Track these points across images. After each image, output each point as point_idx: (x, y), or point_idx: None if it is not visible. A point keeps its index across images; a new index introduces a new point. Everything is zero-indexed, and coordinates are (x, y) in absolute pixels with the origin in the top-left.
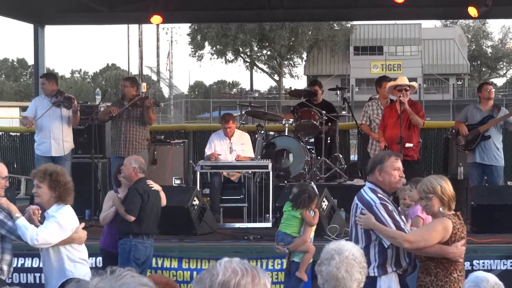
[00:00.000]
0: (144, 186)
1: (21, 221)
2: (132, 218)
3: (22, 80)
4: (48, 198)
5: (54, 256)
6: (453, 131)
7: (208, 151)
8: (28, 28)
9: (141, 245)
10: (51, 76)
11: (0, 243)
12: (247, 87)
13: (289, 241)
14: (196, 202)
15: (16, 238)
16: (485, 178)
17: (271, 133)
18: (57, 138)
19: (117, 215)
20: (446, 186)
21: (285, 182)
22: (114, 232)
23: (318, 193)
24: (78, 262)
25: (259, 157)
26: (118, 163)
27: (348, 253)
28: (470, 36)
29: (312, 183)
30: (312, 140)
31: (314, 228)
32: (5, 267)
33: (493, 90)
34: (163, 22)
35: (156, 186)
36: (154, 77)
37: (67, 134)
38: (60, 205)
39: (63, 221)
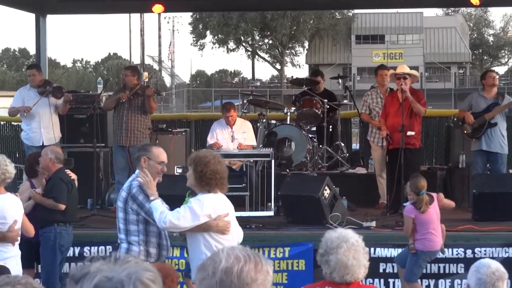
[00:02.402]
0: (65, 175)
1: (155, 203)
2: (63, 207)
3: (23, 69)
4: (191, 183)
5: (191, 243)
6: (455, 119)
7: (210, 140)
8: (30, 17)
9: (65, 232)
10: (39, 66)
11: (145, 226)
12: (249, 76)
13: None
14: None
15: (153, 221)
16: (488, 166)
17: (273, 121)
18: (47, 127)
19: (37, 205)
20: None
21: (287, 170)
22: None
23: None
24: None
25: (261, 145)
26: (119, 152)
27: (353, 240)
28: (471, 25)
29: None
30: (314, 128)
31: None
32: (152, 250)
33: (497, 77)
34: (165, 11)
35: (73, 175)
36: (156, 66)
37: (55, 122)
38: (204, 192)
39: (197, 207)
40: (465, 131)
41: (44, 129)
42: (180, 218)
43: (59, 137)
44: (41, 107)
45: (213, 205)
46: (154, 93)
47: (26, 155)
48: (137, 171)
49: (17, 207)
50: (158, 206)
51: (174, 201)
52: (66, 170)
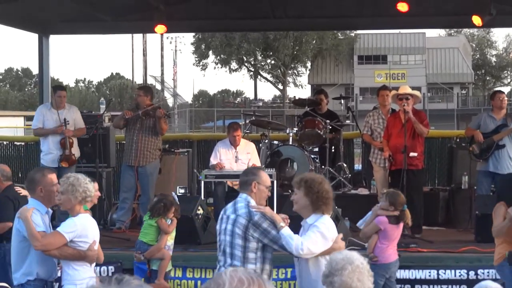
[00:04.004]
0: (13, 193)
1: (286, 231)
2: (10, 224)
3: (26, 89)
4: (303, 205)
5: (313, 267)
6: (457, 140)
7: (213, 160)
8: (33, 37)
9: None
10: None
11: (261, 253)
12: (251, 96)
13: (145, 249)
14: (201, 211)
15: (279, 248)
16: (492, 186)
17: (275, 142)
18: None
19: None
20: None
21: (289, 191)
22: None
23: (178, 202)
24: None
25: (263, 166)
26: (128, 171)
27: (358, 262)
28: (474, 45)
29: (174, 193)
30: (316, 149)
31: (172, 235)
32: (265, 277)
33: (506, 98)
34: (167, 32)
35: (24, 192)
36: (158, 87)
37: (73, 143)
38: (318, 214)
39: (325, 230)
40: (472, 152)
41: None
42: (316, 244)
43: (77, 156)
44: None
45: (332, 227)
46: (164, 115)
47: None
48: (243, 195)
49: (96, 227)
50: (291, 233)
51: (178, 220)
52: (15, 187)
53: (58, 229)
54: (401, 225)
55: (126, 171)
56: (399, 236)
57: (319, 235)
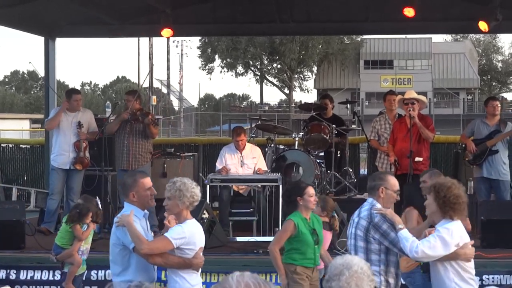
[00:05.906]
0: None
1: (403, 233)
2: None
3: (32, 92)
4: (433, 210)
5: (442, 272)
6: (463, 145)
7: (219, 165)
8: (39, 40)
9: None
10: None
11: (385, 255)
12: (257, 101)
13: (58, 252)
14: (206, 215)
15: (398, 251)
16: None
17: (281, 146)
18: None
19: None
20: None
21: None
22: None
23: (100, 208)
24: (465, 281)
25: (268, 170)
26: (123, 176)
27: (357, 267)
28: (480, 51)
29: (97, 198)
30: (322, 154)
31: (88, 240)
32: (391, 280)
33: (499, 105)
34: (174, 35)
35: None
36: (164, 90)
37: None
38: (447, 220)
39: (447, 235)
40: (466, 158)
41: (72, 153)
42: (432, 248)
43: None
44: (73, 132)
45: (460, 233)
46: (152, 122)
47: (50, 177)
48: (370, 199)
49: (202, 234)
50: (408, 235)
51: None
52: None
53: (166, 234)
54: (331, 232)
55: (121, 176)
56: (329, 242)
57: (438, 240)
